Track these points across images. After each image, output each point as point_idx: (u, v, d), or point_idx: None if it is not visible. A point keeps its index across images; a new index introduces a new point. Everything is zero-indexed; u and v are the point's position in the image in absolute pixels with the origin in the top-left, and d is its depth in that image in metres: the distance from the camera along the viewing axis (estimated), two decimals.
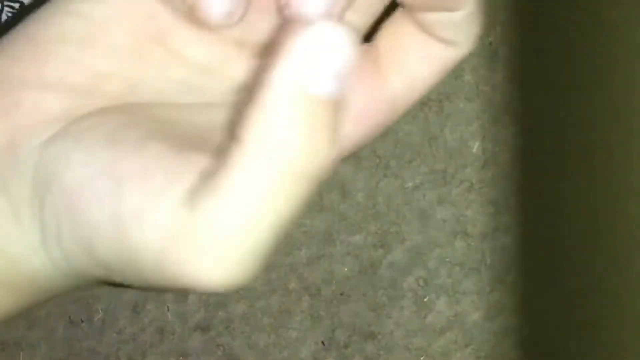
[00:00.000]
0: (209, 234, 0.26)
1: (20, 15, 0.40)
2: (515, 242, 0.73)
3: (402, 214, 0.72)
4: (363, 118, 0.38)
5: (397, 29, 0.38)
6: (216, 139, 0.33)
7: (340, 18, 0.31)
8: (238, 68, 0.36)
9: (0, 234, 0.31)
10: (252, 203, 0.26)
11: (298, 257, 0.72)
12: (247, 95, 0.35)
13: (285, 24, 0.33)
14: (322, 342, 0.73)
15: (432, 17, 0.36)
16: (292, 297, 0.72)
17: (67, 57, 0.32)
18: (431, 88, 0.40)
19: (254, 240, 0.27)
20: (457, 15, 0.35)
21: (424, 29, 0.37)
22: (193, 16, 0.32)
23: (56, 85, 0.31)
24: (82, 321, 0.64)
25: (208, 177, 0.27)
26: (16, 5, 0.41)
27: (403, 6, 0.37)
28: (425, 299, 0.73)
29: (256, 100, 0.26)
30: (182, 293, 0.66)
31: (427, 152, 0.72)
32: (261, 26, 0.35)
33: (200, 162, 0.29)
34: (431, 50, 0.37)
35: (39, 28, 0.32)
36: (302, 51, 0.25)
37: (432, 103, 0.71)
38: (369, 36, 0.40)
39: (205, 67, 0.35)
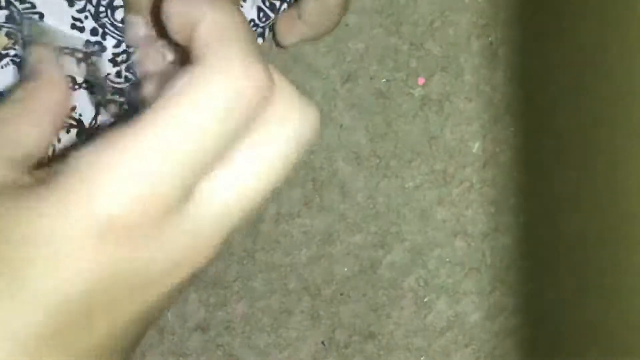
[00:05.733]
0: None
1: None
2: (516, 242, 0.73)
3: (402, 214, 0.72)
4: None
5: None
6: None
7: None
8: None
9: None
10: None
11: (298, 257, 0.72)
12: None
13: None
14: (322, 342, 0.73)
15: None
16: (292, 297, 0.72)
17: None
18: None
19: None
20: None
21: None
22: None
23: None
24: None
25: None
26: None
27: None
28: (425, 299, 0.73)
29: None
30: None
31: (427, 152, 0.72)
32: None
33: None
34: None
35: None
36: None
37: (432, 103, 0.71)
38: None
39: None
